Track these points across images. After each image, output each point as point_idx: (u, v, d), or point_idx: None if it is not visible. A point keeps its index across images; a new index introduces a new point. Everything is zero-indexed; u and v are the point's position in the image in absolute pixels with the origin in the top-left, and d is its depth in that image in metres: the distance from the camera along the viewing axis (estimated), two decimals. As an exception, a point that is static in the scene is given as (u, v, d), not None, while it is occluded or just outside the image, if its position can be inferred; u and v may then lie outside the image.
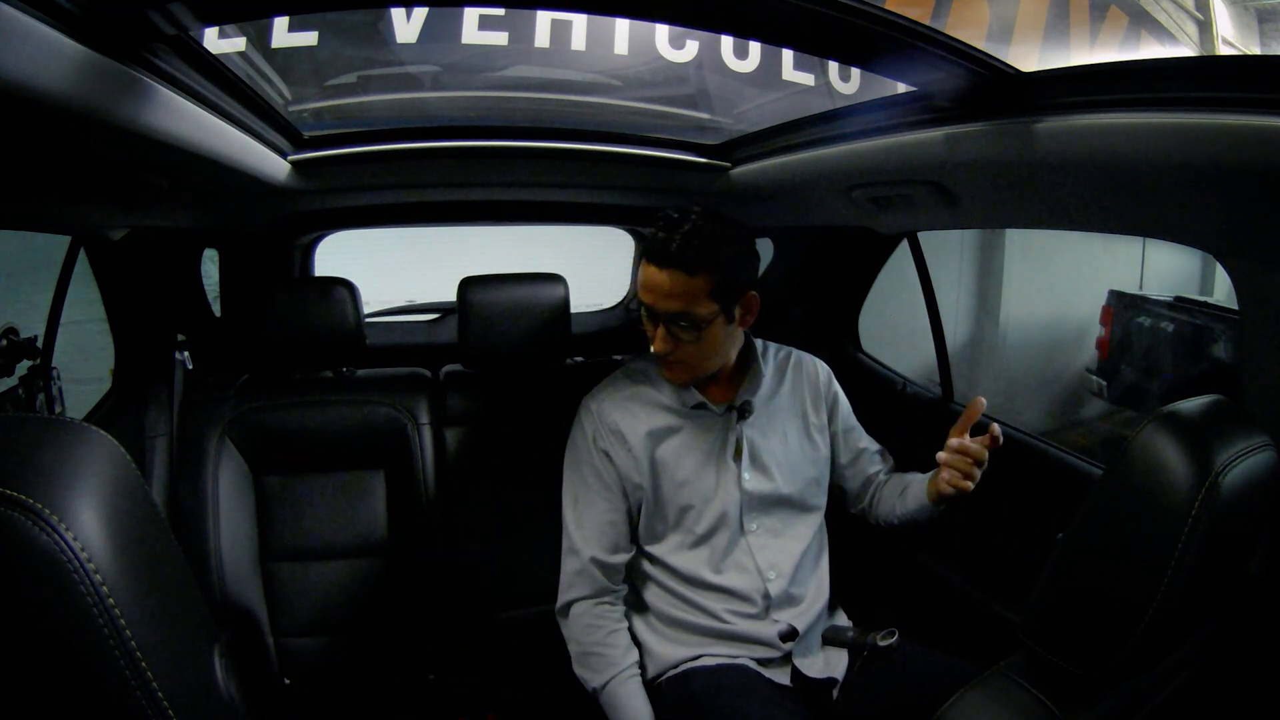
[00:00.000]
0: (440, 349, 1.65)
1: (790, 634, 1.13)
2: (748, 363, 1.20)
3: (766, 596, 1.13)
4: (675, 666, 1.13)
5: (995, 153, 0.85)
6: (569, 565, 1.17)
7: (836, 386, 1.27)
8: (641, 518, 1.16)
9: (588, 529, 1.15)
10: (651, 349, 1.12)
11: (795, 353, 1.28)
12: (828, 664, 1.14)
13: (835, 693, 1.12)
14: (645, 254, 1.08)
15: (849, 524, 1.33)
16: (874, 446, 1.30)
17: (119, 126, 0.65)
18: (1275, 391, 0.84)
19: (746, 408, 1.17)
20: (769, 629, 1.12)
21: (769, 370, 1.21)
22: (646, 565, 1.17)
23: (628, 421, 1.16)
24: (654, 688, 1.12)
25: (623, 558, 1.16)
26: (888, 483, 1.26)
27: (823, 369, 1.28)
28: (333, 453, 1.39)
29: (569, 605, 1.16)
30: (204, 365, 1.44)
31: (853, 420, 1.29)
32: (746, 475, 1.15)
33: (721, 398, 1.18)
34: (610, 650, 1.11)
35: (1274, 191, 0.67)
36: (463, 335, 1.39)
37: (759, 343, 1.24)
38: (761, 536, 1.15)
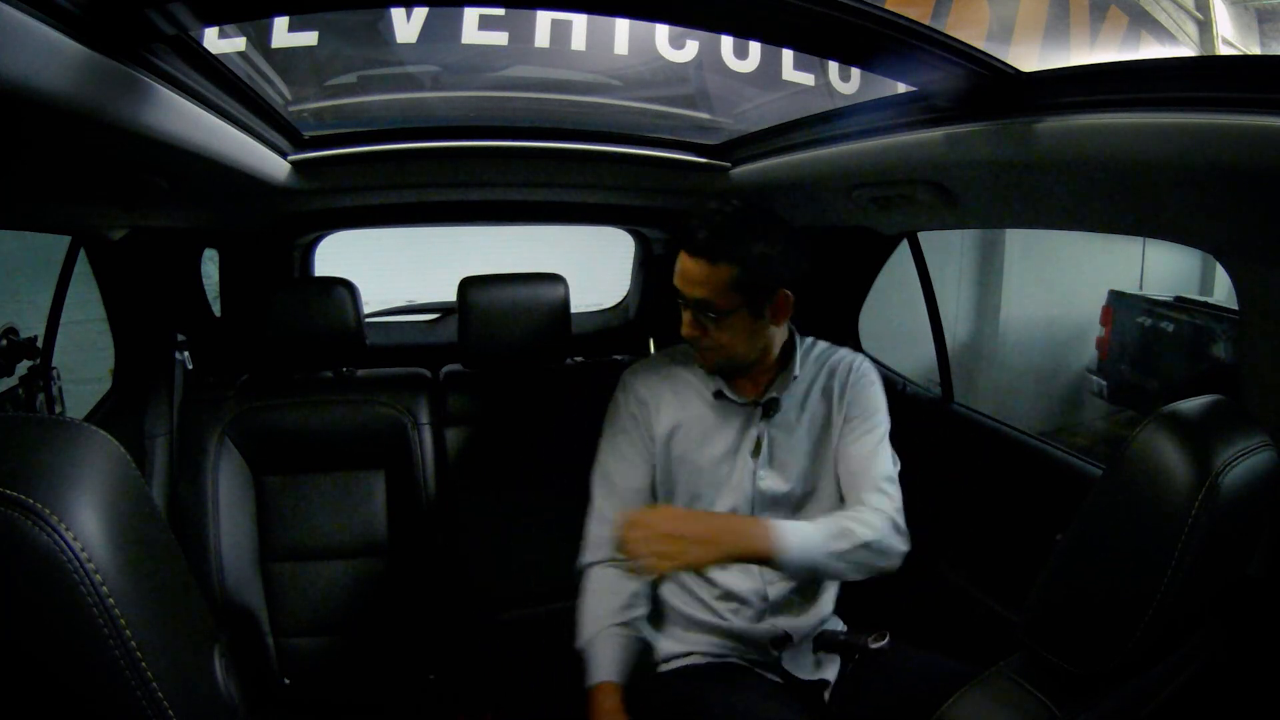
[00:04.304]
0: (440, 349, 1.65)
1: (782, 641, 1.13)
2: (788, 360, 1.18)
3: (765, 599, 1.13)
4: (668, 660, 1.15)
5: (995, 153, 0.85)
6: (592, 530, 1.19)
7: (861, 378, 1.18)
8: (657, 495, 1.18)
9: (614, 497, 1.18)
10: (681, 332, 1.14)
11: (841, 353, 1.22)
12: (820, 666, 1.14)
13: (826, 694, 1.12)
14: (679, 241, 1.10)
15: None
16: (873, 465, 1.13)
17: (119, 126, 0.65)
18: (1275, 391, 0.84)
19: (772, 405, 1.15)
20: (762, 632, 1.13)
21: (806, 370, 1.18)
22: None
23: (655, 398, 1.19)
24: (651, 678, 1.14)
25: (637, 496, 1.18)
26: None
27: (856, 366, 1.20)
28: (333, 453, 1.39)
29: (589, 567, 1.18)
30: (204, 365, 1.44)
31: (866, 421, 1.15)
32: (761, 473, 1.15)
33: (751, 391, 1.17)
34: (598, 609, 1.13)
35: (1274, 191, 0.67)
36: (463, 335, 1.39)
37: (808, 341, 1.21)
38: None
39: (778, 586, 1.13)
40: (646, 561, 0.93)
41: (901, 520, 1.08)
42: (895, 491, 1.11)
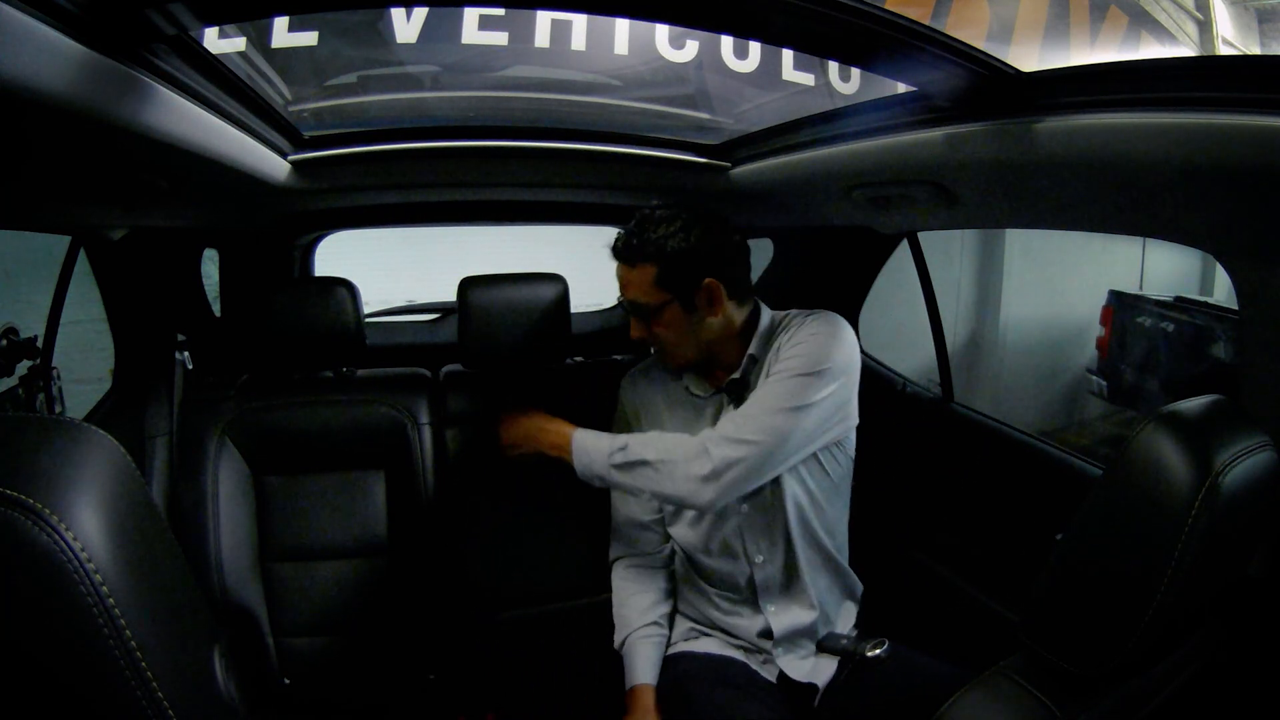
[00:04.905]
0: (440, 349, 1.65)
1: (767, 632, 1.14)
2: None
3: (751, 582, 1.14)
4: (672, 645, 1.20)
5: (995, 153, 0.85)
6: (613, 526, 1.29)
7: (798, 329, 1.12)
8: None
9: (629, 500, 1.25)
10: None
11: (800, 318, 1.16)
12: (814, 669, 1.14)
13: (817, 699, 1.12)
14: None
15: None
16: (750, 402, 1.07)
17: (119, 126, 0.65)
18: (1275, 391, 0.84)
19: (734, 389, 1.16)
20: (750, 623, 1.15)
21: (771, 346, 1.15)
22: (674, 543, 1.25)
23: (643, 405, 1.25)
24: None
25: (652, 516, 1.24)
26: None
27: (798, 323, 1.14)
28: (333, 453, 1.39)
29: (612, 563, 1.28)
30: (204, 365, 1.44)
31: (778, 365, 1.08)
32: None
33: (723, 379, 1.18)
34: (627, 611, 1.21)
35: (1274, 191, 0.67)
36: (463, 335, 1.39)
37: (785, 314, 1.19)
38: (752, 516, 1.15)
39: (763, 569, 1.15)
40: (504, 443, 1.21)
41: (720, 447, 1.01)
42: (742, 422, 1.03)
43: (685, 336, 1.13)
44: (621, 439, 1.11)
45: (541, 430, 1.19)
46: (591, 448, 1.12)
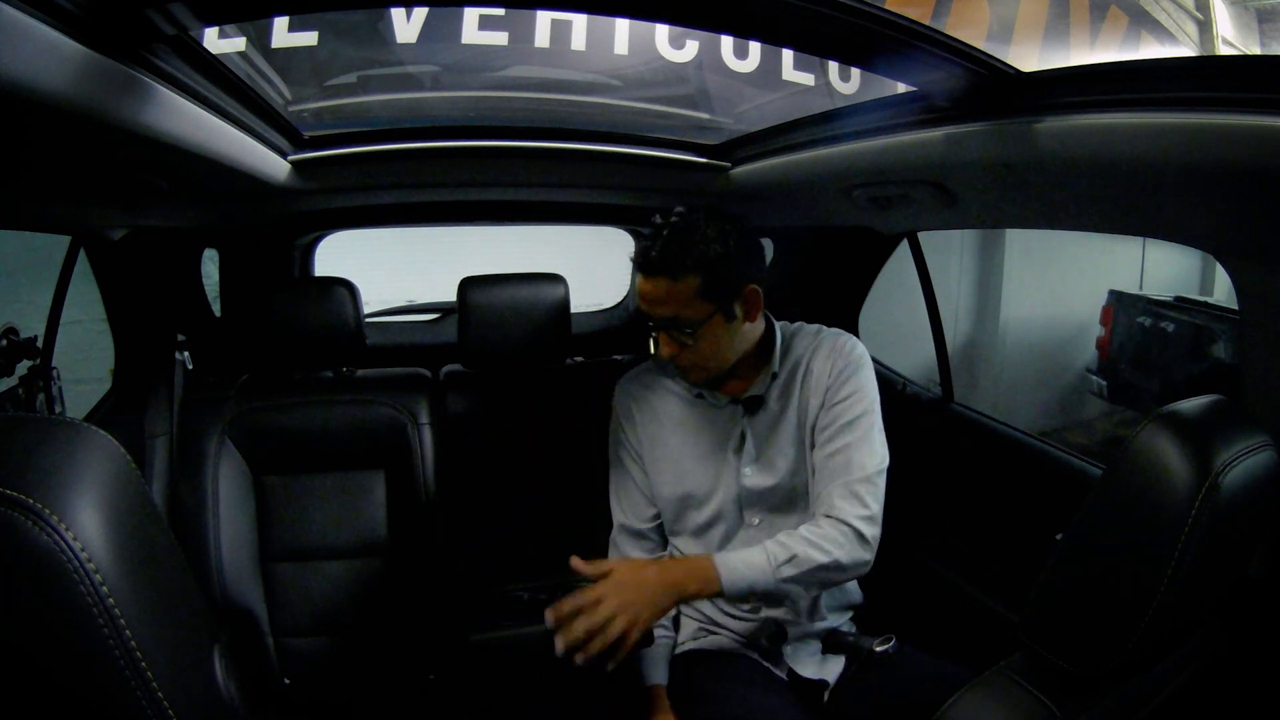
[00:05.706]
0: (440, 349, 1.65)
1: (778, 634, 1.14)
2: (768, 354, 1.16)
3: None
4: (681, 644, 1.19)
5: (995, 153, 0.85)
6: (615, 536, 1.24)
7: (846, 363, 1.12)
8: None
9: (619, 499, 1.24)
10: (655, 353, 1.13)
11: (825, 335, 1.17)
12: (823, 666, 1.15)
13: (826, 695, 1.12)
14: (634, 263, 1.09)
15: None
16: (848, 462, 1.06)
17: (119, 126, 0.65)
18: (1275, 391, 0.84)
19: (753, 402, 1.15)
20: (758, 628, 1.14)
21: (790, 357, 1.16)
22: (670, 549, 1.23)
23: (640, 410, 1.22)
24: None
25: (649, 524, 1.22)
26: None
27: (840, 350, 1.14)
28: (333, 453, 1.39)
29: None
30: (204, 365, 1.44)
31: (847, 411, 1.09)
32: (747, 470, 1.15)
33: (738, 389, 1.16)
34: None
35: (1274, 191, 0.67)
36: (463, 335, 1.39)
37: (792, 327, 1.20)
38: (762, 531, 1.15)
39: None
40: (615, 622, 0.91)
41: (869, 527, 1.02)
42: (869, 491, 1.04)
43: (723, 349, 1.09)
44: (776, 551, 0.99)
45: (668, 584, 0.97)
46: (747, 568, 0.99)
